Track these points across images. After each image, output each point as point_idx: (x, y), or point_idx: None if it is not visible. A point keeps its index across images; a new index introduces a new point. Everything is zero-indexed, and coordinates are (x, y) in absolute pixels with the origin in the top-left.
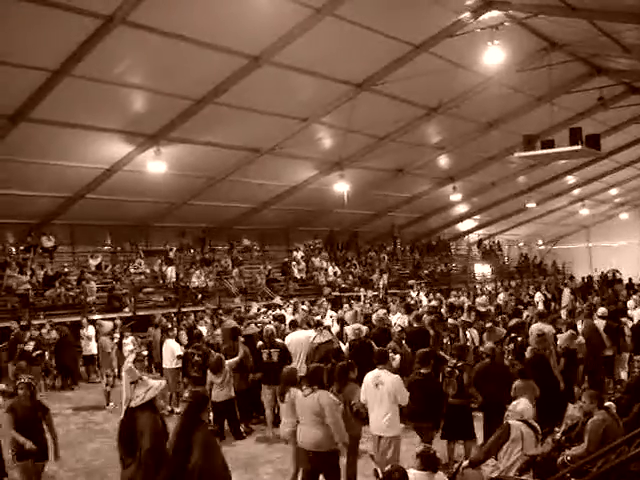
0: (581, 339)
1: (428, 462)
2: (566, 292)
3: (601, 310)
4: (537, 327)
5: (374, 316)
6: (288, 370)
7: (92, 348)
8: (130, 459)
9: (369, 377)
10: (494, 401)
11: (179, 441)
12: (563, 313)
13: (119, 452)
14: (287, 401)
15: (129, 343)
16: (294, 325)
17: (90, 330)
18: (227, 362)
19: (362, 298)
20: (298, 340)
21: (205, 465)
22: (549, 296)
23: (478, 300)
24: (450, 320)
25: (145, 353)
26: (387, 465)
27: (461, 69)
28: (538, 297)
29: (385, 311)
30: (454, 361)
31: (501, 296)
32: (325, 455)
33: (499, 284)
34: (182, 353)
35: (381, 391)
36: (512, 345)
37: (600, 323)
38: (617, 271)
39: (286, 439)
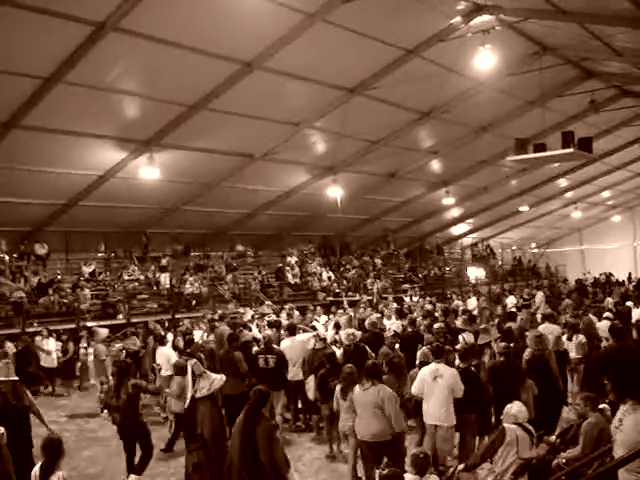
0: (582, 338)
1: (418, 465)
2: (539, 295)
3: (606, 313)
4: (541, 328)
5: (367, 321)
6: (349, 369)
7: (52, 360)
8: (193, 445)
9: (426, 370)
10: (507, 398)
11: (244, 435)
12: (538, 317)
13: (184, 439)
14: (349, 398)
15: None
16: (292, 330)
17: (51, 343)
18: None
19: (345, 303)
20: (293, 346)
21: (270, 456)
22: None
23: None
24: (436, 325)
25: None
26: (447, 453)
27: (453, 73)
28: (510, 301)
29: (379, 315)
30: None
31: (473, 301)
32: (385, 444)
33: (469, 289)
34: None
35: (440, 383)
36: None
37: (605, 324)
38: (612, 274)
39: (347, 433)
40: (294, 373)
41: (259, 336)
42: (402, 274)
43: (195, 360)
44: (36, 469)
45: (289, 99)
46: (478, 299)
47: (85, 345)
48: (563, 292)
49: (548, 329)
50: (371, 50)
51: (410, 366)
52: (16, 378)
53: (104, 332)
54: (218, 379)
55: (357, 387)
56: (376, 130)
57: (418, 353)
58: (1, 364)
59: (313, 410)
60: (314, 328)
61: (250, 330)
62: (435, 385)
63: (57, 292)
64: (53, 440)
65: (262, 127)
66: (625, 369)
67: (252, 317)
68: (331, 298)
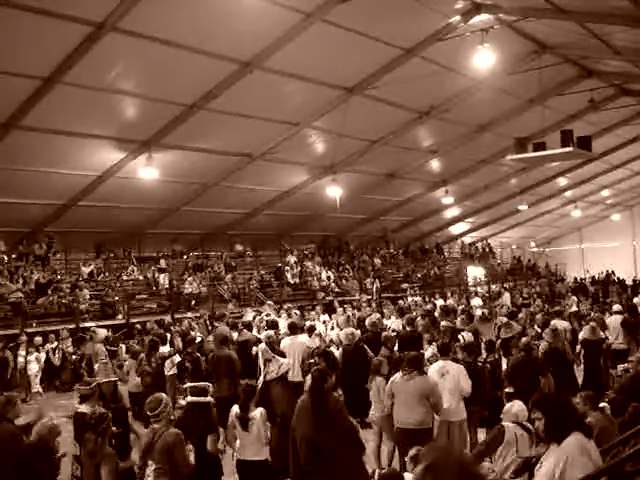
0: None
1: None
2: (506, 295)
3: (616, 307)
4: (553, 323)
5: (367, 320)
6: (378, 361)
7: None
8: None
9: (434, 368)
10: (528, 393)
11: (314, 408)
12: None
13: None
14: (374, 388)
15: (33, 361)
16: (293, 329)
17: None
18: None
19: (335, 303)
20: (293, 345)
21: (345, 421)
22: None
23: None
24: (443, 322)
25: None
26: (463, 446)
27: (452, 72)
28: (476, 302)
29: (379, 315)
30: (484, 356)
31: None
32: (427, 431)
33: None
34: (179, 359)
35: (447, 380)
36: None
37: (617, 318)
38: (613, 272)
39: (376, 423)
40: (294, 373)
41: (260, 336)
42: (401, 274)
43: (264, 346)
44: (235, 408)
45: (288, 99)
46: (445, 300)
47: (24, 353)
48: (561, 291)
49: (558, 325)
50: (370, 49)
51: None
52: (116, 378)
53: (103, 332)
54: (285, 363)
55: (398, 376)
56: (375, 129)
57: (426, 353)
58: (100, 365)
59: None
60: (311, 329)
61: (251, 330)
62: (443, 382)
63: (56, 292)
64: (250, 385)
65: (261, 127)
66: (564, 411)
67: (254, 317)
68: (330, 298)
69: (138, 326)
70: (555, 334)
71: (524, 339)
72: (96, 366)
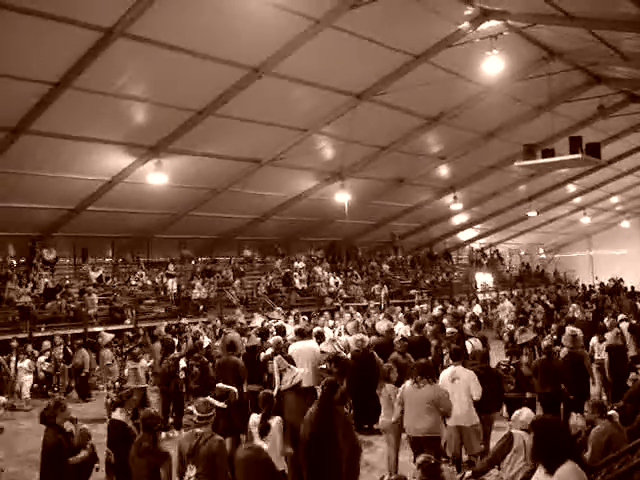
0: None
1: (430, 472)
2: (507, 303)
3: (622, 315)
4: (570, 329)
5: (378, 325)
6: (387, 367)
7: None
8: None
9: (445, 374)
10: (550, 394)
11: (318, 423)
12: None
13: None
14: (384, 395)
15: (25, 367)
16: (301, 334)
17: None
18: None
19: (341, 309)
20: (302, 350)
21: (346, 442)
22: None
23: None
24: (449, 329)
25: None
26: (477, 450)
27: (461, 79)
28: (476, 310)
29: (389, 321)
30: (507, 359)
31: (435, 310)
32: (436, 439)
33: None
34: (184, 365)
35: (458, 385)
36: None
37: (624, 325)
38: (621, 279)
39: (386, 429)
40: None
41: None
42: (409, 280)
43: (279, 356)
44: (256, 417)
45: (297, 105)
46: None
47: (14, 359)
48: (566, 298)
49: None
50: (379, 56)
51: None
52: (145, 385)
53: (109, 336)
54: (300, 373)
55: (408, 384)
56: (384, 135)
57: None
58: (130, 370)
59: None
60: (318, 335)
61: (266, 338)
62: (454, 387)
63: (64, 297)
64: (269, 394)
65: (270, 133)
66: (551, 438)
67: (262, 323)
68: (338, 303)
69: (129, 333)
70: (575, 339)
71: (544, 342)
72: (126, 371)
